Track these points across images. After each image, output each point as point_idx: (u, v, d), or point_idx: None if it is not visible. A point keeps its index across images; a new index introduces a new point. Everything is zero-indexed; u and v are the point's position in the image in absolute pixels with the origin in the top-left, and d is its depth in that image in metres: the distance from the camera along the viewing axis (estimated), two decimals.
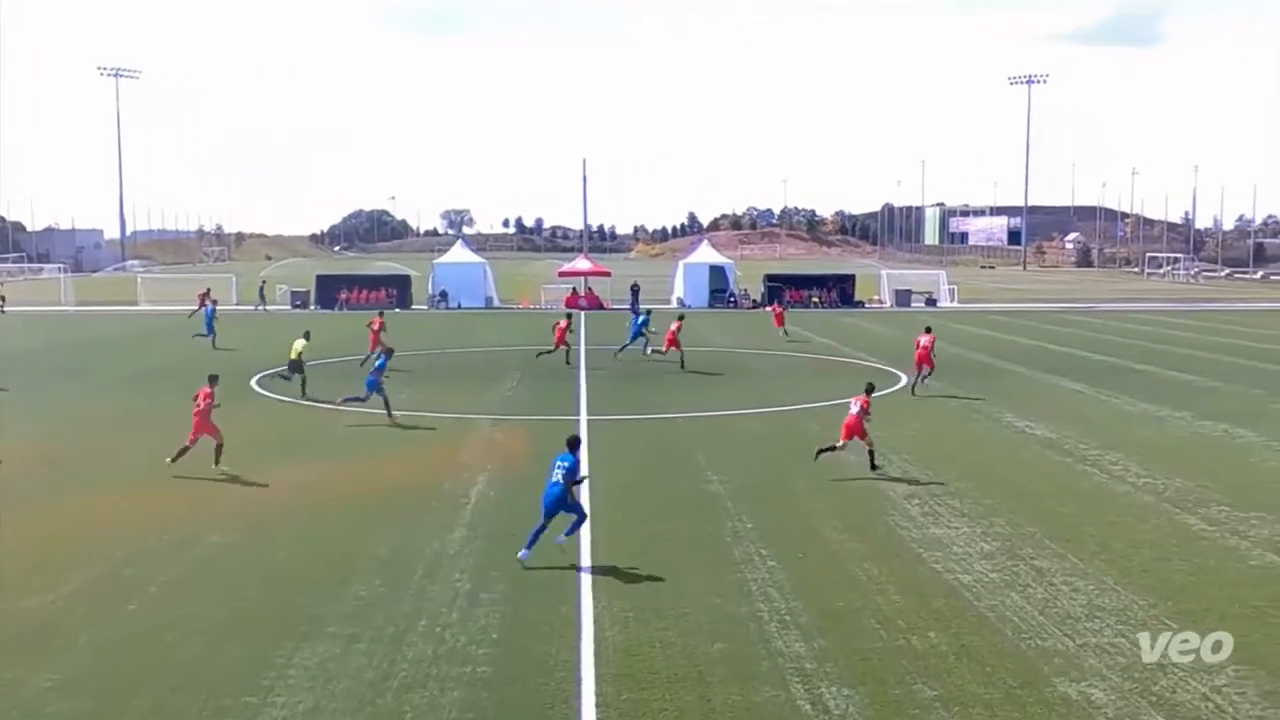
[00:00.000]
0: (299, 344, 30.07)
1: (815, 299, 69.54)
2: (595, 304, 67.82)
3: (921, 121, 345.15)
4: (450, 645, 12.18)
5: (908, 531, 16.62)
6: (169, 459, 19.95)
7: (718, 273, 71.41)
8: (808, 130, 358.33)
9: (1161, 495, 18.93)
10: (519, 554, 14.75)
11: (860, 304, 70.56)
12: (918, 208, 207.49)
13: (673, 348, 35.80)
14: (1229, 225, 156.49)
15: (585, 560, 15.09)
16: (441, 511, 17.81)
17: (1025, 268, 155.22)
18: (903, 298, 71.46)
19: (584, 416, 26.70)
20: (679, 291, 71.61)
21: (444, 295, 68.67)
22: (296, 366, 29.78)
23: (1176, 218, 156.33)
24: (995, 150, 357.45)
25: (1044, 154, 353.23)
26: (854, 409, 20.55)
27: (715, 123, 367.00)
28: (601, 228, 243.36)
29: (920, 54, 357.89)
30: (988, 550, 15.61)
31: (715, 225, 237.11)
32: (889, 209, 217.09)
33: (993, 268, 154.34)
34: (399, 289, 70.13)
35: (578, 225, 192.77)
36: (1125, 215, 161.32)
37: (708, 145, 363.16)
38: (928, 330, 32.05)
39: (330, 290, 69.09)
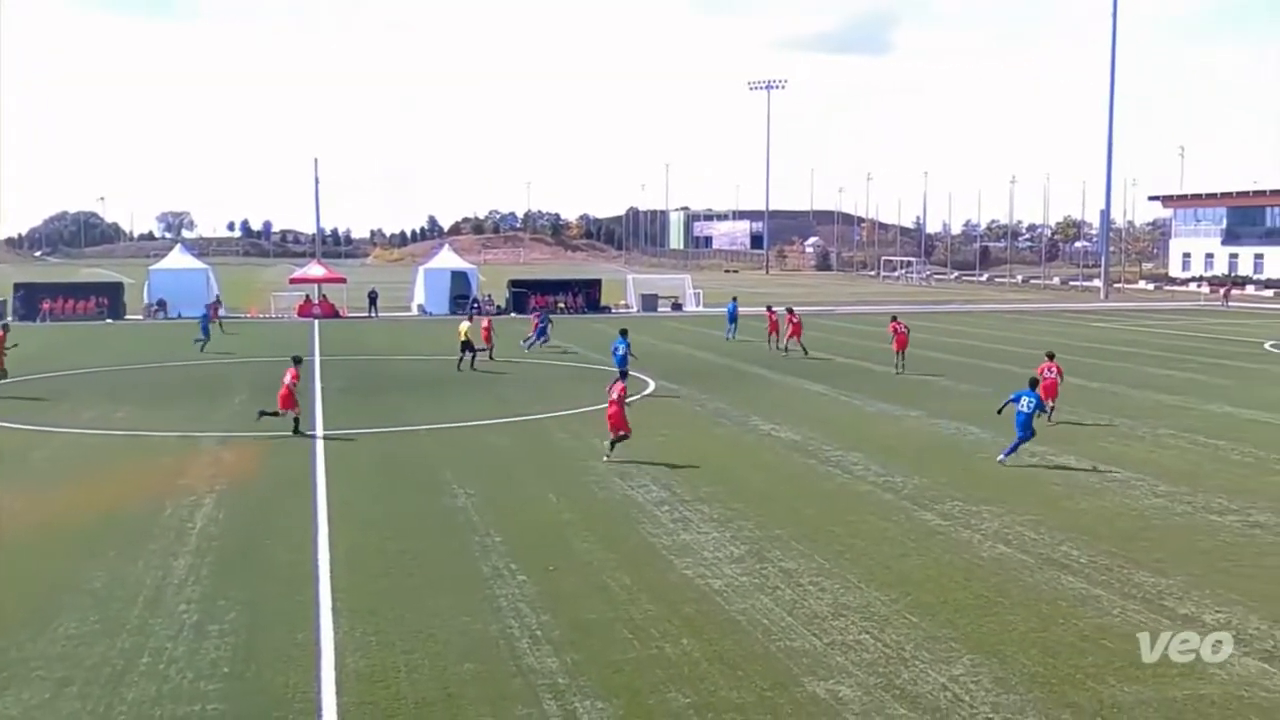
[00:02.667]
0: None
1: (561, 304, 69.59)
2: (330, 312, 65.63)
3: (665, 125, 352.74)
4: (176, 683, 11.28)
5: (658, 539, 16.58)
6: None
7: (460, 278, 69.94)
8: (551, 133, 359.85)
9: (900, 493, 19.62)
10: None
11: (607, 309, 71.08)
12: (662, 212, 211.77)
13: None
14: (956, 230, 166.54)
15: (324, 584, 14.34)
16: (164, 538, 16.59)
17: (768, 271, 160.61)
18: (649, 302, 72.43)
19: (320, 431, 25.59)
20: (419, 298, 69.87)
21: (162, 304, 64.38)
22: None
23: (909, 222, 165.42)
24: (738, 155, 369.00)
25: (785, 159, 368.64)
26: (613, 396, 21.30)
27: (456, 123, 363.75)
28: (335, 232, 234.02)
29: (663, 58, 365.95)
30: (737, 554, 15.73)
31: (457, 229, 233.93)
32: (634, 213, 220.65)
33: (736, 271, 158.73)
34: (110, 298, 65.75)
35: (310, 229, 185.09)
36: (861, 220, 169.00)
37: (448, 146, 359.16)
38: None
39: (32, 300, 63.56)
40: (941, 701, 10.78)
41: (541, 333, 45.34)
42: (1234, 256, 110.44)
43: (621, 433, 21.82)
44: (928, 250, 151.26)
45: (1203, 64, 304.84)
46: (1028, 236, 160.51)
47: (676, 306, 73.67)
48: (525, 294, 70.08)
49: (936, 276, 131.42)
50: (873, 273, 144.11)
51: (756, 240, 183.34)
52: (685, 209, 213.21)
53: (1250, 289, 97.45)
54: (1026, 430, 21.66)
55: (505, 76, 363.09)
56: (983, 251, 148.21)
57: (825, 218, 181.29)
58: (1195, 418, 27.72)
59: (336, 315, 64.95)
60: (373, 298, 65.11)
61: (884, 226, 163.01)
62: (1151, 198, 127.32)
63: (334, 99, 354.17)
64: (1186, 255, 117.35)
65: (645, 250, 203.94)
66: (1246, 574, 14.79)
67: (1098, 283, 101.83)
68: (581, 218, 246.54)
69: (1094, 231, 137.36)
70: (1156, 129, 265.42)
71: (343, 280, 71.72)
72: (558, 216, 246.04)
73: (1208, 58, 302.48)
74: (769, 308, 45.85)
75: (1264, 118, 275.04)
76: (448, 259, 75.66)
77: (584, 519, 17.86)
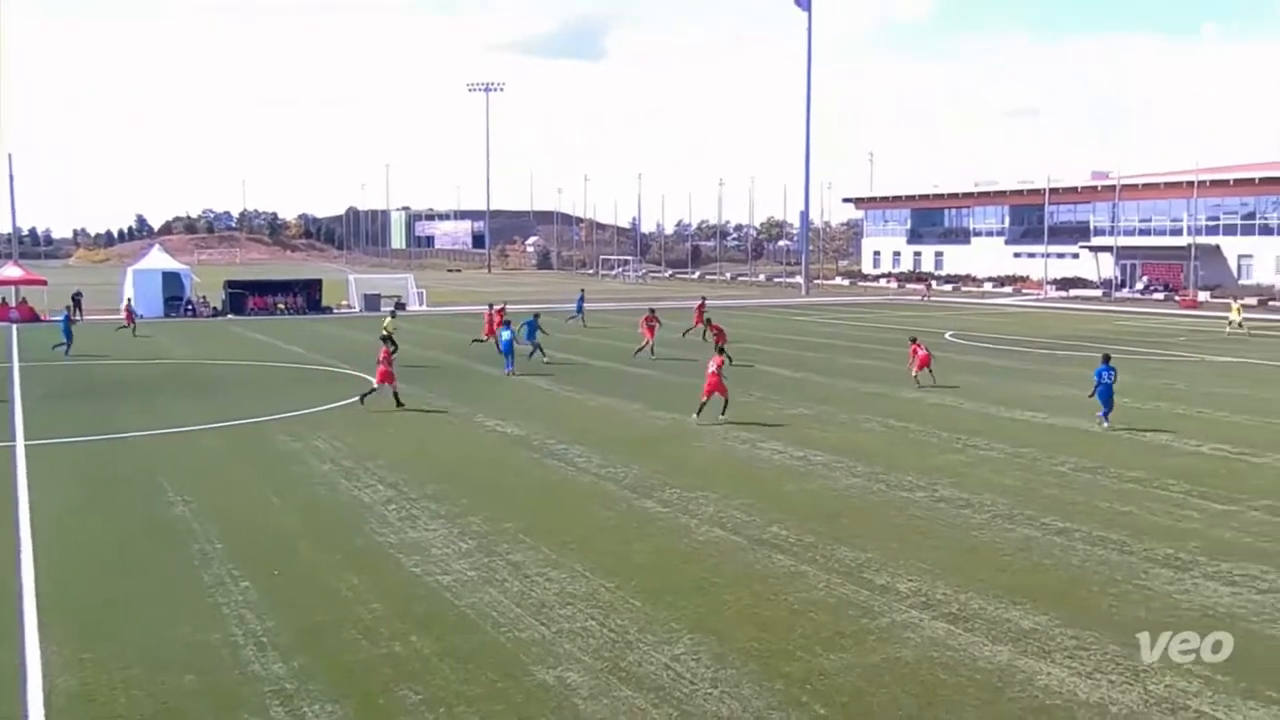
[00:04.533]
0: None
1: (281, 305, 67.51)
2: (29, 316, 61.13)
3: (385, 125, 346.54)
4: None
5: (385, 538, 16.52)
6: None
7: (173, 279, 66.81)
8: (266, 130, 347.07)
9: (621, 483, 20.28)
10: None
11: (328, 309, 69.46)
12: (383, 211, 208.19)
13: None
14: (670, 229, 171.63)
15: (28, 601, 13.54)
16: None
17: (490, 270, 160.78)
18: (372, 302, 71.25)
19: (20, 442, 23.98)
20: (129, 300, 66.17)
21: None
22: None
23: (625, 222, 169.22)
24: (458, 155, 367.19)
25: (505, 160, 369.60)
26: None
27: (164, 117, 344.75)
28: (34, 231, 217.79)
29: (380, 57, 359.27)
30: (465, 549, 15.88)
31: (168, 229, 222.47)
32: (354, 212, 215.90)
33: (459, 270, 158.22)
34: None
35: (4, 228, 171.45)
36: (580, 220, 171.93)
37: (157, 142, 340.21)
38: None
39: None
40: (665, 680, 11.30)
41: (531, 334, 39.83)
42: (918, 254, 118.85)
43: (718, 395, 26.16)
44: (643, 249, 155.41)
45: (890, 76, 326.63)
46: (735, 236, 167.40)
47: (400, 306, 72.71)
48: (243, 295, 67.55)
49: (652, 274, 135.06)
50: (591, 271, 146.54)
51: (479, 240, 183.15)
52: (407, 209, 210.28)
53: (933, 284, 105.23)
54: (1108, 396, 25.72)
55: (218, 70, 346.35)
56: (694, 250, 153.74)
57: (545, 218, 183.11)
58: (887, 403, 29.87)
59: (36, 319, 60.53)
60: (77, 300, 61.02)
61: (602, 226, 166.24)
62: (845, 200, 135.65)
63: (31, 90, 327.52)
64: (877, 253, 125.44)
65: (367, 250, 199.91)
66: (934, 545, 16.19)
67: (799, 279, 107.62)
68: (300, 217, 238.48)
69: (795, 231, 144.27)
70: (850, 136, 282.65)
71: (43, 282, 66.94)
72: (275, 216, 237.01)
73: (894, 71, 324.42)
74: (490, 305, 46.24)
75: (943, 126, 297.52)
76: (159, 259, 71.73)
77: (309, 521, 17.57)
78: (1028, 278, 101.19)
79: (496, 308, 44.41)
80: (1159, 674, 11.36)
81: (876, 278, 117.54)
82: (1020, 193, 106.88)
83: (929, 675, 11.44)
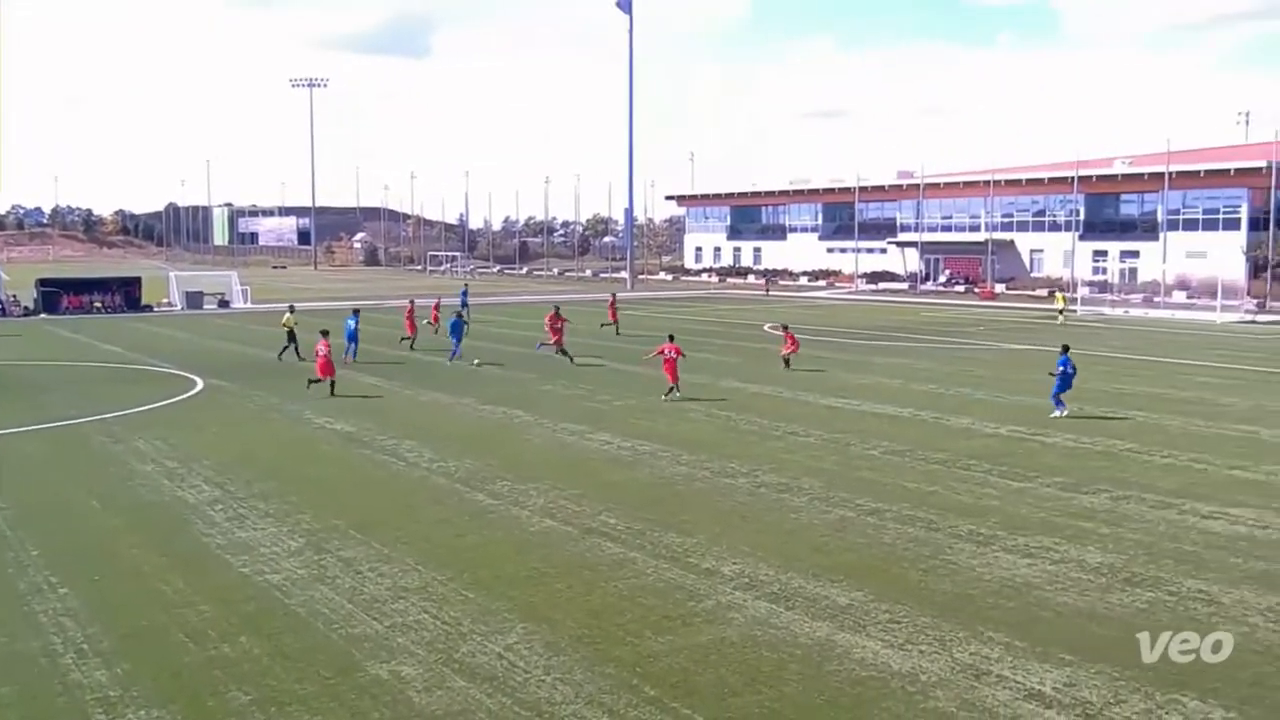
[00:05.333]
0: None
1: (98, 304, 64.71)
2: None
3: (205, 120, 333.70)
4: None
5: (212, 539, 16.25)
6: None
7: None
8: (80, 124, 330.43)
9: (453, 476, 20.36)
10: None
11: (149, 307, 66.89)
12: (205, 207, 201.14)
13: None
14: (497, 226, 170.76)
15: None
16: None
17: (316, 267, 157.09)
18: (194, 299, 68.99)
19: None
20: None
21: None
22: None
23: (453, 219, 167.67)
24: (282, 151, 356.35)
25: (330, 156, 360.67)
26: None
27: None
28: None
29: (200, 51, 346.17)
30: (295, 547, 15.76)
31: None
32: (174, 209, 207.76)
33: (284, 267, 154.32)
34: None
35: None
36: (407, 216, 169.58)
37: None
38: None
39: None
40: (499, 670, 11.51)
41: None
42: (738, 250, 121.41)
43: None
44: (471, 246, 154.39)
45: (710, 77, 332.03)
46: (562, 232, 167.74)
47: (223, 304, 70.67)
48: (57, 293, 64.61)
49: (480, 270, 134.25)
50: (420, 267, 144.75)
51: (304, 236, 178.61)
52: (229, 205, 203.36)
53: (750, 278, 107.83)
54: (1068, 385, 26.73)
55: (27, 61, 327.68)
56: (522, 246, 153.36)
57: (373, 214, 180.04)
58: (712, 393, 30.65)
59: None
60: None
61: (429, 223, 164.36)
62: (668, 197, 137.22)
63: None
64: (699, 249, 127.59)
65: (188, 247, 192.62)
66: (756, 528, 16.83)
67: (625, 274, 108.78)
68: (117, 213, 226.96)
69: (620, 227, 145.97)
70: (672, 134, 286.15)
71: None
72: (90, 212, 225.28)
73: (714, 72, 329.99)
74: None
75: (760, 127, 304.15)
76: None
77: (131, 524, 17.12)
78: (840, 272, 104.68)
79: (433, 302, 48.60)
80: (964, 643, 12.15)
81: (699, 273, 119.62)
82: (832, 191, 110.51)
83: (753, 653, 11.95)
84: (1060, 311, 60.67)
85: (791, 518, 17.50)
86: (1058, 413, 26.42)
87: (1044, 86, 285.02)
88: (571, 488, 19.31)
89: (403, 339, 43.14)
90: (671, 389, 29.40)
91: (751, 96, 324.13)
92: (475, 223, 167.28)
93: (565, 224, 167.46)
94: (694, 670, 11.50)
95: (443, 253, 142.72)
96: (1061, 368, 26.81)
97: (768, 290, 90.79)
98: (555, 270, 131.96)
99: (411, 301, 46.29)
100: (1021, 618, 12.97)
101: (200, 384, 32.34)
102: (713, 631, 12.59)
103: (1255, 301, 67.55)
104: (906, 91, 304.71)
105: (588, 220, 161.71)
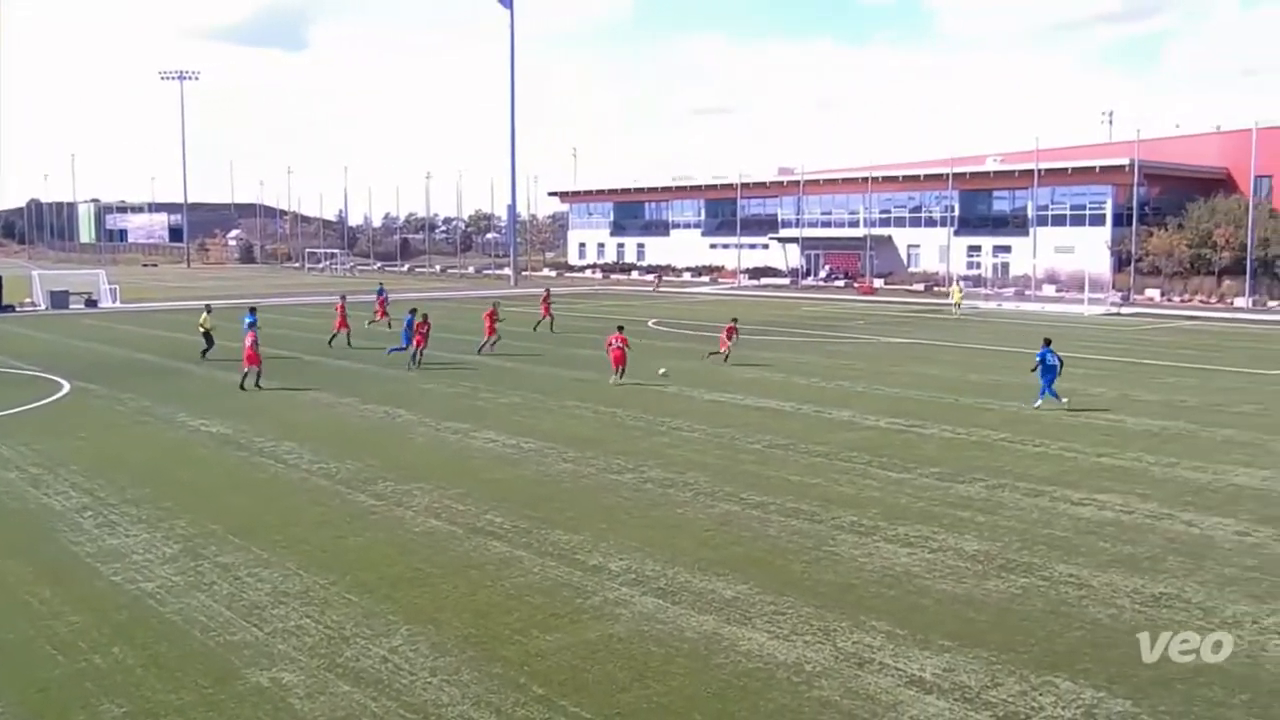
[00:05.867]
0: None
1: None
2: None
3: (69, 112, 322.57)
4: None
5: (81, 547, 15.68)
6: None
7: None
8: None
9: (334, 478, 20.00)
10: None
11: (10, 308, 64.31)
12: (70, 204, 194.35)
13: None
14: (378, 222, 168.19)
15: None
16: None
17: (189, 265, 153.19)
18: (59, 299, 66.52)
19: None
20: None
21: None
22: None
23: (332, 215, 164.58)
24: (152, 146, 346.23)
25: (203, 151, 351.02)
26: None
27: None
28: None
29: (62, 40, 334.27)
30: (170, 554, 15.30)
31: None
32: (36, 205, 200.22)
33: (156, 265, 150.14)
34: None
35: None
36: (284, 212, 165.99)
37: None
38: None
39: None
40: (383, 673, 11.34)
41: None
42: (621, 246, 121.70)
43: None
44: (351, 242, 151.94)
45: (593, 73, 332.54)
46: (444, 229, 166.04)
47: (91, 303, 68.29)
48: None
49: (360, 268, 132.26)
50: (298, 265, 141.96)
51: (176, 233, 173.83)
52: (96, 201, 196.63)
53: (635, 274, 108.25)
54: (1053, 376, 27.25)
55: None
56: (403, 243, 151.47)
57: (248, 210, 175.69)
58: (596, 390, 30.66)
59: None
60: None
61: (307, 219, 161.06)
62: (551, 193, 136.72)
63: None
64: (582, 245, 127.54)
65: (52, 245, 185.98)
66: (642, 524, 16.88)
67: (508, 271, 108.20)
68: None
69: (503, 224, 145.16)
70: (555, 130, 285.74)
71: None
72: None
73: (598, 68, 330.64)
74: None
75: (643, 123, 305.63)
76: None
77: None
78: (723, 267, 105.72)
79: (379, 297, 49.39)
80: (847, 632, 12.36)
81: (583, 269, 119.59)
82: (715, 187, 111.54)
83: (640, 649, 11.98)
84: (956, 305, 62.69)
85: (677, 512, 17.60)
86: (1039, 402, 27.38)
87: (921, 85, 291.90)
88: (456, 487, 19.13)
89: (333, 338, 42.21)
90: (617, 373, 31.64)
91: (636, 92, 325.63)
92: (355, 219, 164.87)
93: (447, 220, 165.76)
94: (582, 667, 11.48)
95: (321, 250, 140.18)
96: (1040, 360, 27.62)
97: (657, 286, 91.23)
98: (438, 267, 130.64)
99: (343, 297, 45.53)
100: (902, 606, 13.24)
101: (67, 387, 31.24)
102: (600, 628, 12.59)
103: (1120, 294, 70.31)
104: (790, 89, 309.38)
105: (470, 216, 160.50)
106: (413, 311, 37.56)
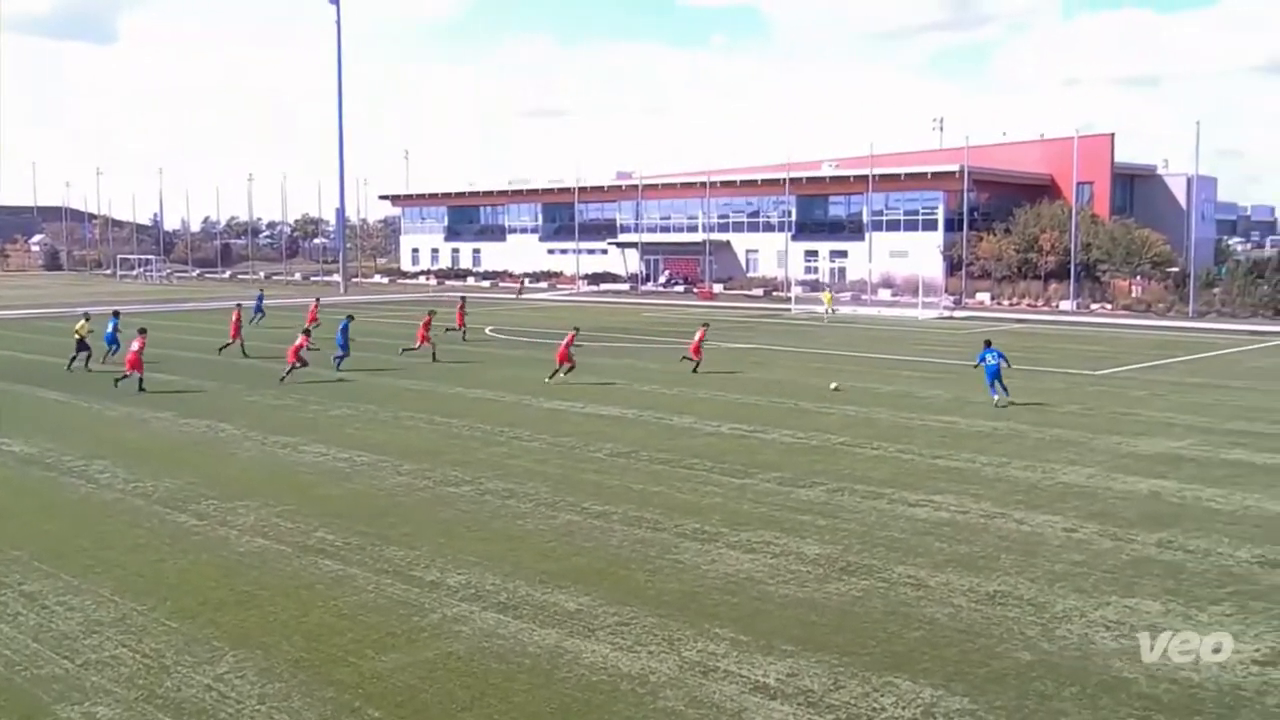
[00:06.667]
0: None
1: None
2: None
3: None
4: None
5: None
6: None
7: None
8: None
9: (151, 497, 18.95)
10: None
11: None
12: None
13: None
14: (196, 227, 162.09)
15: None
16: None
17: None
18: None
19: None
20: None
21: None
22: None
23: (146, 219, 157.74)
24: None
25: (2, 150, 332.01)
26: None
27: None
28: None
29: None
30: None
31: None
32: None
33: None
34: None
35: None
36: (94, 216, 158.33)
37: None
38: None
39: None
40: (207, 702, 10.70)
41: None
42: (456, 251, 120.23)
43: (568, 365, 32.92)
44: (167, 248, 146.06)
45: (424, 75, 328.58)
46: (268, 234, 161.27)
47: None
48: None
49: (178, 274, 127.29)
50: (109, 271, 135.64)
51: None
52: None
53: (471, 280, 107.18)
54: (997, 376, 28.51)
55: None
56: (224, 248, 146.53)
57: (53, 214, 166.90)
58: (431, 399, 30.04)
59: None
60: None
61: (118, 223, 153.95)
62: (382, 197, 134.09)
63: None
64: (415, 250, 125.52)
65: None
66: (481, 537, 16.47)
67: (337, 277, 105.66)
68: None
69: (331, 228, 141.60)
70: (385, 133, 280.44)
71: None
72: None
73: (428, 69, 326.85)
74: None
75: (477, 125, 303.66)
76: None
77: None
78: (562, 273, 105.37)
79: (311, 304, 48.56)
80: (692, 641, 12.24)
81: (416, 275, 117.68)
82: (552, 191, 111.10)
83: (481, 666, 11.62)
84: (829, 310, 63.97)
85: (518, 524, 17.24)
86: (995, 397, 28.48)
87: (757, 89, 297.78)
88: (284, 504, 18.34)
89: (222, 347, 41.55)
90: (556, 371, 33.08)
91: (469, 93, 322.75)
92: (171, 223, 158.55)
93: (271, 225, 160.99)
94: (420, 687, 11.06)
95: (135, 256, 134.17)
96: (980, 362, 28.90)
97: (520, 293, 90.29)
98: (262, 274, 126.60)
99: (238, 306, 44.83)
100: (746, 612, 13.21)
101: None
102: (439, 646, 12.18)
103: (952, 298, 72.86)
104: (625, 91, 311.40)
105: (296, 221, 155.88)
106: (349, 318, 38.87)
